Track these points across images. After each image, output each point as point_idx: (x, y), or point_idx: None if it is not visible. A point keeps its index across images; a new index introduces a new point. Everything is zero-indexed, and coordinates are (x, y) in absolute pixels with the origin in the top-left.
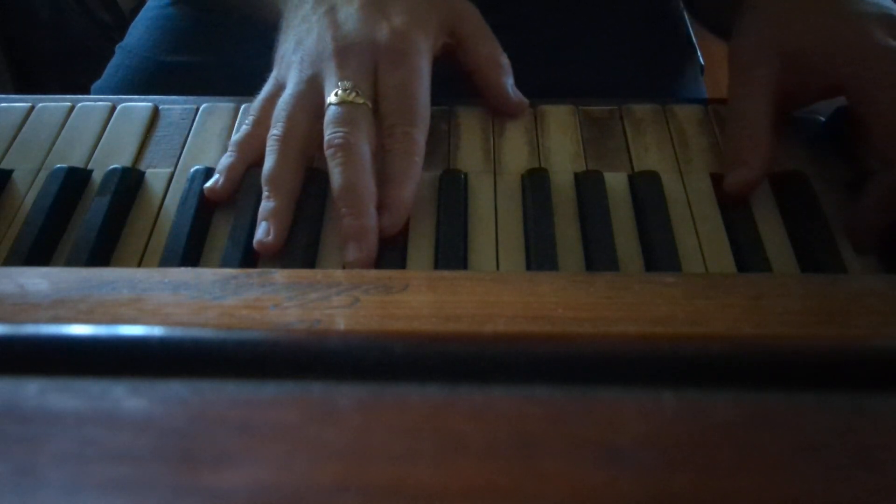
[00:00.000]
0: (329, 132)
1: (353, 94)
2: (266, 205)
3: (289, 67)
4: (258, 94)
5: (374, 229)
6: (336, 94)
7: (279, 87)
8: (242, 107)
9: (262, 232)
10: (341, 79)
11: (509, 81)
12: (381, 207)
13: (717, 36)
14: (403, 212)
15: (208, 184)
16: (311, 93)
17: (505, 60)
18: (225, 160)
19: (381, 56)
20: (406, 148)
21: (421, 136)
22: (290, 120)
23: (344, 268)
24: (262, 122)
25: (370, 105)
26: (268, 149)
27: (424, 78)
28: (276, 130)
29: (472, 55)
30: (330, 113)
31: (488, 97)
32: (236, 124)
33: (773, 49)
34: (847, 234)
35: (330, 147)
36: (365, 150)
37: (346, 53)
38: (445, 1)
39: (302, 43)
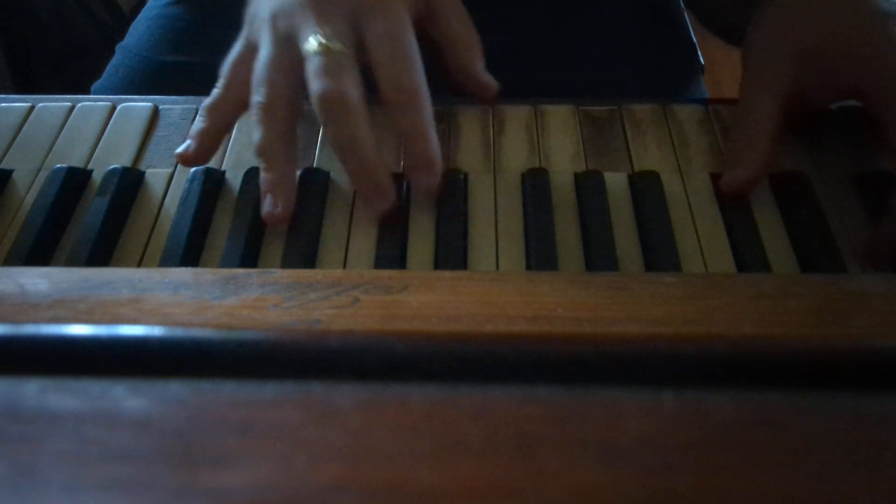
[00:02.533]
0: (316, 85)
1: (333, 40)
2: (265, 177)
3: (261, 27)
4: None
5: (388, 179)
6: (315, 42)
7: (250, 49)
8: None
9: (270, 204)
10: (318, 25)
11: (481, 62)
12: (412, 168)
13: (723, 39)
14: (436, 165)
15: (179, 149)
16: (288, 51)
17: (477, 39)
18: (196, 125)
19: (361, 6)
20: (411, 101)
21: (422, 84)
22: (271, 84)
23: (374, 216)
24: (232, 86)
25: (352, 53)
26: (253, 119)
27: (410, 28)
28: (258, 97)
29: (444, 30)
30: (312, 64)
31: (459, 77)
32: (211, 92)
33: (789, 48)
34: (866, 252)
35: (320, 101)
36: (357, 98)
37: (321, 4)
38: None
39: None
